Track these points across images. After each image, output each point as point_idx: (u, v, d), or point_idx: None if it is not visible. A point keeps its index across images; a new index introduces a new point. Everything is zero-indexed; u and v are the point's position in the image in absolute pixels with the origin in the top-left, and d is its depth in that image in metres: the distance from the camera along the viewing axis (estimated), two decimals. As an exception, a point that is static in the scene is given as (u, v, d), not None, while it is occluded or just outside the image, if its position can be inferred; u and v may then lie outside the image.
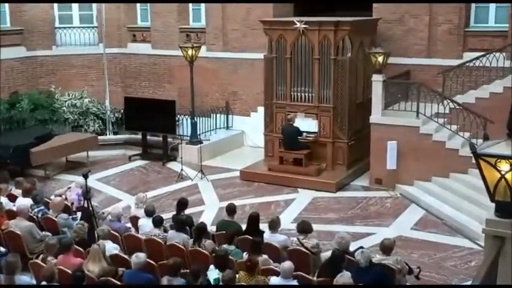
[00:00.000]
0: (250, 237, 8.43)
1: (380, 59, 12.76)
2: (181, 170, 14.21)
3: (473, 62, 12.91)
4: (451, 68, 13.27)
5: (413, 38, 14.38)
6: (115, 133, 17.15)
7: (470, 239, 10.52)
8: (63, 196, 10.72)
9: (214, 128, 16.62)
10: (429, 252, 10.13)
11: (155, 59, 18.07)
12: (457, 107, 12.39)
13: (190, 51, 14.99)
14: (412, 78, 14.19)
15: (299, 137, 13.48)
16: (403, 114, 12.91)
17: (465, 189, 11.82)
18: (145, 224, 9.25)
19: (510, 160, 4.87)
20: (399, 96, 13.38)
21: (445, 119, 12.75)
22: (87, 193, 9.41)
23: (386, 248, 7.89)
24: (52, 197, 10.45)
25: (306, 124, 13.72)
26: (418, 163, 12.61)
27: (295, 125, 13.55)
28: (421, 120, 12.69)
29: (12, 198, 10.36)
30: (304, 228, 8.58)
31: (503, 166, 4.88)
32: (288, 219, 11.32)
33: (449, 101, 12.53)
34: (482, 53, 12.88)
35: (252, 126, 16.17)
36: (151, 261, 7.79)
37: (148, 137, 16.10)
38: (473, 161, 5.15)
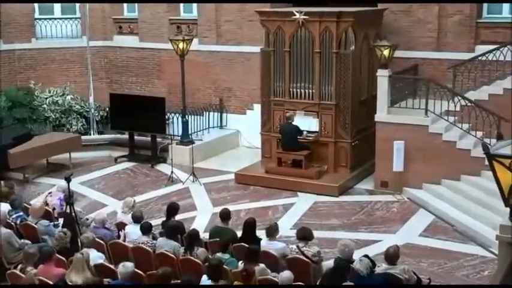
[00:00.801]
0: (246, 245, 8.43)
1: (386, 52, 12.77)
2: (172, 172, 14.21)
3: (486, 55, 12.93)
4: (462, 62, 13.30)
5: (422, 30, 14.40)
6: (100, 133, 17.13)
7: (483, 246, 10.54)
8: (44, 201, 10.69)
9: (207, 127, 16.60)
10: (439, 260, 10.14)
11: (143, 52, 18.05)
12: (469, 104, 12.42)
13: (181, 45, 14.98)
14: (420, 73, 14.21)
15: (299, 137, 13.49)
16: (410, 112, 12.92)
17: (477, 192, 11.83)
18: (133, 231, 9.24)
19: (526, 161, 4.87)
20: (406, 93, 13.41)
21: (456, 117, 12.77)
22: (69, 198, 9.40)
23: (391, 256, 7.83)
24: (32, 202, 10.40)
25: (306, 123, 13.72)
26: (426, 165, 12.62)
27: (294, 123, 13.55)
28: (430, 118, 12.70)
29: (-12, 203, 10.31)
30: (304, 235, 8.57)
31: (519, 168, 4.89)
32: (286, 226, 11.32)
33: (460, 97, 12.54)
34: (495, 46, 12.91)
35: (247, 125, 16.14)
36: (139, 271, 7.78)
37: (135, 137, 16.07)
38: (486, 162, 5.16)
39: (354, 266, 7.55)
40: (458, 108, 12.65)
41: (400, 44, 13.74)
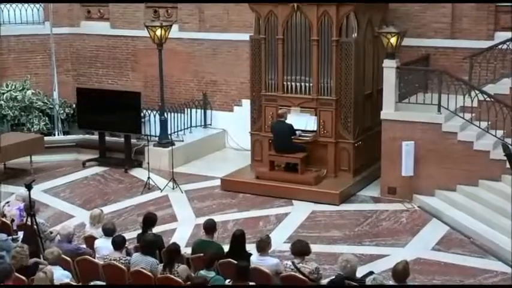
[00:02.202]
0: (234, 261, 8.43)
1: (393, 40, 12.82)
2: (148, 178, 14.21)
3: (507, 43, 12.98)
4: (480, 51, 13.35)
5: (434, 15, 14.45)
6: (65, 133, 17.09)
7: (504, 261, 10.57)
8: (1, 212, 10.62)
9: (189, 126, 16.61)
10: (454, 278, 10.17)
11: (115, 41, 18.02)
12: (488, 99, 12.45)
13: (158, 32, 14.98)
14: (432, 64, 14.27)
15: (293, 137, 13.52)
16: (421, 108, 12.97)
17: (498, 199, 11.88)
18: (104, 246, 9.22)
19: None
20: (417, 86, 13.46)
21: (473, 114, 12.82)
22: (30, 208, 9.34)
23: (399, 274, 7.73)
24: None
25: (303, 121, 13.75)
26: (440, 168, 12.67)
27: (287, 121, 13.57)
28: (444, 115, 12.75)
29: None
30: (300, 249, 8.58)
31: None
32: (280, 239, 11.33)
33: (477, 91, 12.59)
34: (518, 33, 13.01)
35: (235, 124, 16.18)
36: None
37: (106, 138, 16.06)
38: (508, 165, 5.19)
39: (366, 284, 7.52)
40: (475, 104, 12.70)
41: (409, 30, 13.80)
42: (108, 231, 9.39)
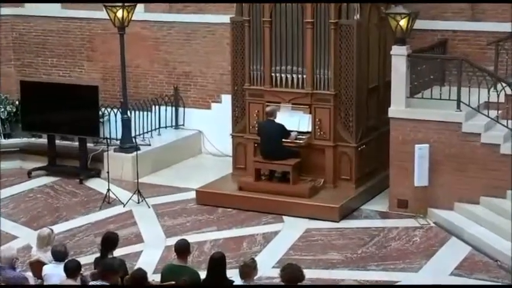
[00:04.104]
0: (213, 290, 8.40)
1: (403, 23, 12.83)
2: (108, 190, 14.16)
3: (540, 26, 13.06)
4: (507, 35, 13.39)
5: (452, -8, 14.54)
6: (7, 136, 16.95)
7: (538, 287, 10.63)
8: None
9: (158, 127, 16.60)
10: (478, 308, 10.21)
11: (67, 24, 17.95)
12: (517, 93, 12.55)
13: (119, 13, 14.96)
14: (450, 51, 14.33)
15: (284, 140, 13.49)
16: (437, 104, 13.00)
17: (530, 214, 11.93)
18: (54, 273, 9.17)
19: None
20: (432, 78, 13.48)
21: (500, 111, 12.86)
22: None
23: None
24: None
25: (295, 120, 13.75)
26: (460, 177, 12.71)
27: (277, 121, 13.55)
28: (464, 113, 12.78)
29: None
30: (292, 275, 8.55)
31: None
32: (268, 263, 11.34)
33: (505, 84, 12.64)
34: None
35: (213, 124, 16.19)
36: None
37: (57, 142, 16.00)
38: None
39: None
40: (502, 99, 12.75)
41: (423, 11, 13.82)
42: (59, 255, 9.34)
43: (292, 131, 13.61)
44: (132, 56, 15.99)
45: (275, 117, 13.62)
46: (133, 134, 15.61)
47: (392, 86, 13.18)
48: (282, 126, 13.53)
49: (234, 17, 14.24)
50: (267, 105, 13.86)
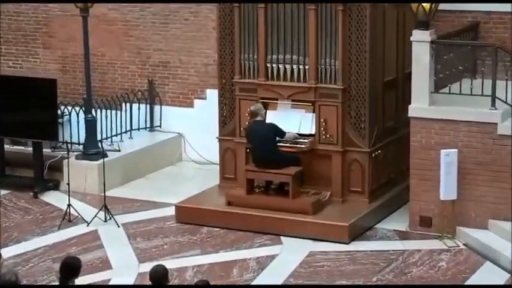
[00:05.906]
0: (197, 328, 8.37)
1: (426, 3, 12.78)
2: (69, 205, 14.13)
3: None
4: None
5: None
6: None
7: None
8: None
9: (129, 128, 16.62)
10: None
11: (18, 4, 17.94)
12: None
13: (83, -9, 14.97)
14: (481, 37, 14.38)
15: (279, 140, 13.55)
16: (467, 101, 13.01)
17: None
18: (2, 306, 9.06)
19: None
20: (461, 69, 13.47)
21: (543, 110, 12.87)
22: None
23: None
24: None
25: (295, 120, 13.82)
26: (495, 188, 12.72)
27: (268, 121, 13.60)
28: (501, 112, 12.80)
29: None
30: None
31: None
32: (264, 294, 11.31)
33: (549, 76, 12.66)
34: None
35: (196, 126, 16.31)
36: None
37: (6, 147, 16.06)
38: None
39: None
40: (546, 95, 12.76)
41: (449, -11, 13.85)
42: (8, 284, 9.21)
43: (288, 133, 13.64)
44: (97, 43, 15.99)
45: (263, 117, 13.64)
46: (99, 138, 15.66)
47: (413, 79, 13.20)
48: (274, 126, 13.58)
49: (221, -5, 14.30)
50: (258, 102, 13.88)
